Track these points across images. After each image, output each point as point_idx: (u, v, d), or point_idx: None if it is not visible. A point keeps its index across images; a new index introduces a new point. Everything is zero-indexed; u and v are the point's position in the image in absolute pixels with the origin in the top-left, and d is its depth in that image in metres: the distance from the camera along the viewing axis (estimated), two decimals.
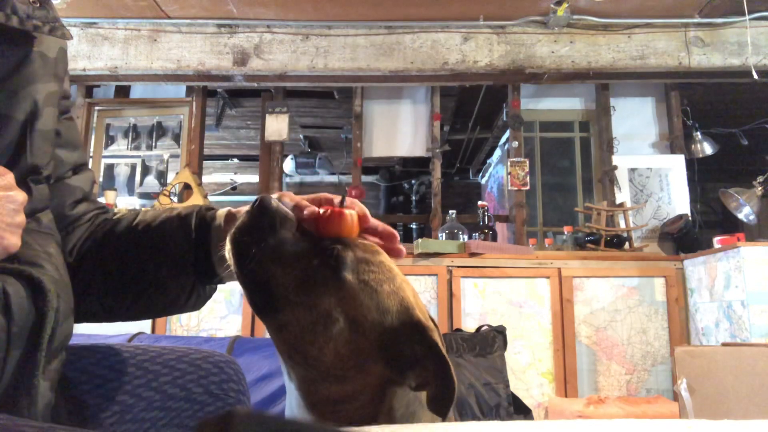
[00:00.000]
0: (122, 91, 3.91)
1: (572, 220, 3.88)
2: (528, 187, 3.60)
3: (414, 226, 5.93)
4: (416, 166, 5.95)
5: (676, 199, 3.61)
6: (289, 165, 5.92)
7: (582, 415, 2.55)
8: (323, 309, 0.59)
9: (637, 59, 3.55)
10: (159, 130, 3.82)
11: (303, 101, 4.75)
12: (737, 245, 2.64)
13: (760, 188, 3.31)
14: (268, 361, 2.09)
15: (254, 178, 6.35)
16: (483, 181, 5.94)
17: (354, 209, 0.65)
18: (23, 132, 0.64)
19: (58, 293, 0.61)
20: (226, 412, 0.25)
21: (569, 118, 4.08)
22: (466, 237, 3.26)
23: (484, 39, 3.62)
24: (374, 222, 0.69)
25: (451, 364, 0.57)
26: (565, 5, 3.38)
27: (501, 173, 4.77)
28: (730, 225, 4.23)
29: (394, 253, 0.70)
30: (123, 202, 3.70)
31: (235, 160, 6.35)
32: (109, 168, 3.79)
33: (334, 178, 6.47)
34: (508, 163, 3.64)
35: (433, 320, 0.65)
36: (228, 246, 0.62)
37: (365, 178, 6.07)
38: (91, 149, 3.74)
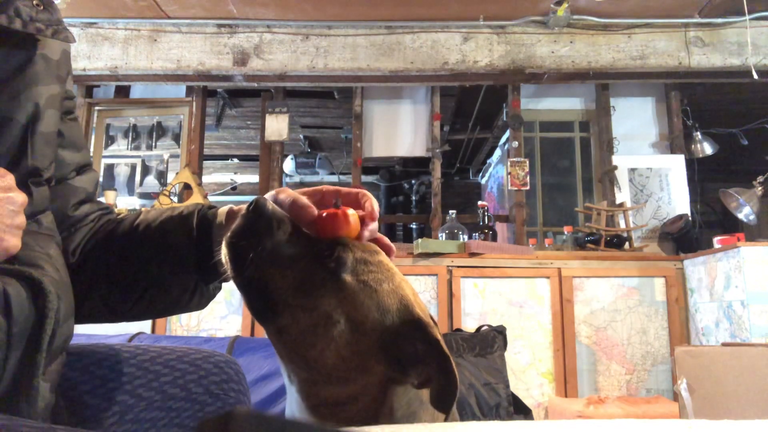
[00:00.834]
0: (122, 91, 3.91)
1: (572, 220, 3.88)
2: (528, 187, 3.60)
3: (414, 226, 5.93)
4: (416, 166, 5.95)
5: (676, 199, 3.61)
6: (289, 165, 5.92)
7: (582, 415, 2.55)
8: (323, 311, 0.58)
9: (637, 59, 3.55)
10: (159, 130, 3.82)
11: (303, 101, 4.75)
12: (737, 245, 2.64)
13: (760, 188, 3.31)
14: (268, 361, 2.09)
15: (254, 178, 6.35)
16: (483, 181, 5.94)
17: (351, 209, 0.65)
18: (24, 134, 0.64)
19: (58, 294, 0.61)
20: (226, 412, 0.25)
21: (569, 118, 4.08)
22: (466, 237, 3.26)
23: (484, 39, 3.62)
24: (375, 230, 0.68)
25: (453, 360, 0.57)
26: (565, 5, 3.38)
27: (501, 173, 4.77)
28: (730, 225, 4.23)
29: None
30: (123, 202, 3.70)
31: (235, 160, 6.35)
32: (109, 168, 3.79)
33: (334, 178, 6.47)
34: (508, 163, 3.64)
35: (432, 318, 0.65)
36: (224, 250, 0.61)
37: (365, 178, 6.07)
38: (91, 149, 3.74)
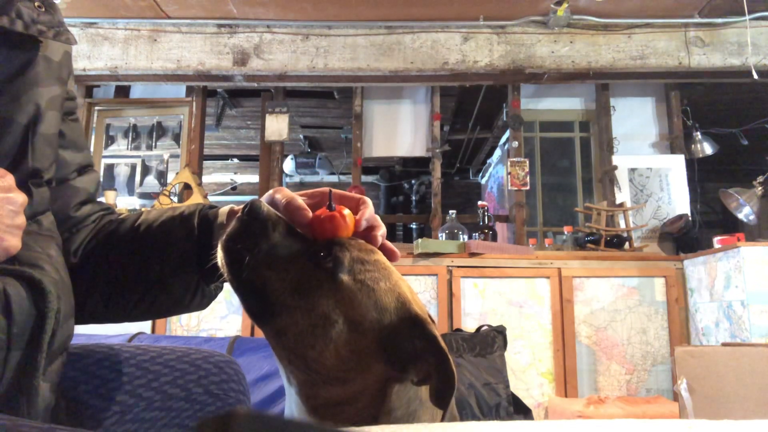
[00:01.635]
0: (122, 91, 3.91)
1: (572, 220, 3.88)
2: (528, 187, 3.60)
3: (414, 226, 5.93)
4: (416, 166, 5.95)
5: (676, 199, 3.61)
6: (289, 165, 5.92)
7: (582, 415, 2.55)
8: (321, 311, 0.58)
9: (637, 59, 3.55)
10: (159, 130, 3.82)
11: (303, 101, 4.75)
12: (737, 245, 2.64)
13: (760, 188, 3.31)
14: (268, 361, 2.09)
15: (254, 178, 6.35)
16: (483, 181, 5.94)
17: (347, 209, 0.64)
18: (25, 135, 0.64)
19: (58, 295, 0.61)
20: (226, 412, 0.25)
21: (569, 118, 4.08)
22: (466, 237, 3.26)
23: (484, 39, 3.62)
24: (383, 236, 0.68)
25: (450, 356, 0.57)
26: (565, 5, 3.38)
27: (501, 173, 4.77)
28: (730, 225, 4.22)
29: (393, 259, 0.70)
30: (123, 202, 3.70)
31: (235, 160, 6.35)
32: (109, 168, 3.79)
33: (334, 178, 6.47)
34: (508, 163, 3.64)
35: (430, 316, 0.65)
36: (220, 254, 0.61)
37: (365, 178, 6.07)
38: (91, 149, 3.74)
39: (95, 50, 3.58)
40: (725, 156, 4.22)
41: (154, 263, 0.76)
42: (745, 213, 3.36)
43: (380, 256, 0.65)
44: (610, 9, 3.47)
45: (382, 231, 0.67)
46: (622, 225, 3.36)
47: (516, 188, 3.59)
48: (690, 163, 3.75)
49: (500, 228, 3.82)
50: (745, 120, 4.38)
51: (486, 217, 3.37)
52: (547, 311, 2.99)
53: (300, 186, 6.54)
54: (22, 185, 0.61)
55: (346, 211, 0.63)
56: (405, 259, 3.04)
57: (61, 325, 0.61)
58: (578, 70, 3.57)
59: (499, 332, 2.39)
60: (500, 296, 3.00)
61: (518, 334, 2.95)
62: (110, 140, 3.82)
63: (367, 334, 0.59)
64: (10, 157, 0.63)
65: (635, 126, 3.88)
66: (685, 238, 3.34)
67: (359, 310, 0.59)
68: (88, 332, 2.03)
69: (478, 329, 2.42)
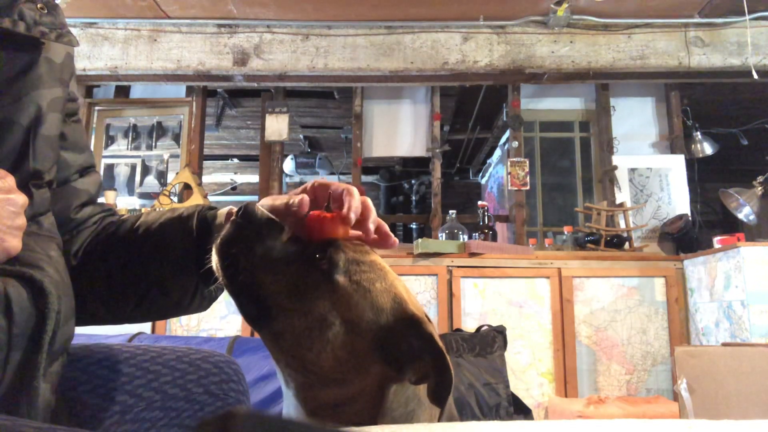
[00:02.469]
0: (122, 91, 3.91)
1: (572, 220, 3.88)
2: (528, 187, 3.60)
3: (414, 226, 5.93)
4: (416, 166, 5.95)
5: (676, 199, 3.61)
6: (289, 165, 5.92)
7: (582, 415, 2.55)
8: (318, 313, 0.58)
9: (637, 59, 3.55)
10: (159, 130, 3.82)
11: (303, 101, 4.75)
12: (737, 245, 2.64)
13: (760, 188, 3.31)
14: (268, 361, 2.09)
15: (254, 178, 6.35)
16: (483, 181, 5.94)
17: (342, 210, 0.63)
18: (26, 137, 0.64)
19: (59, 296, 0.61)
20: (226, 412, 0.26)
21: (569, 118, 4.08)
22: (466, 237, 3.27)
23: (484, 39, 3.62)
24: (375, 225, 0.66)
25: (447, 355, 0.57)
26: (565, 5, 3.38)
27: (501, 173, 4.77)
28: (730, 225, 4.22)
29: (388, 244, 0.67)
30: (123, 203, 3.70)
31: (235, 160, 6.35)
32: (109, 168, 3.79)
33: (334, 178, 6.47)
34: (508, 163, 3.64)
35: (426, 315, 0.65)
36: (214, 258, 0.61)
37: (365, 178, 6.07)
38: (92, 149, 3.74)
39: (95, 50, 3.58)
40: (725, 156, 4.22)
41: (153, 265, 0.76)
42: (745, 213, 3.36)
43: (375, 257, 0.65)
44: (610, 9, 3.47)
45: (372, 217, 0.65)
46: (622, 225, 3.36)
47: (516, 188, 3.59)
48: (690, 163, 3.75)
49: (500, 228, 3.82)
50: (745, 120, 4.38)
51: (486, 217, 3.37)
52: (547, 311, 2.99)
53: (300, 186, 6.53)
54: (23, 187, 0.61)
55: (343, 211, 0.62)
56: (405, 259, 3.04)
57: (62, 326, 0.61)
58: (578, 70, 3.57)
59: (499, 332, 2.39)
60: (500, 296, 3.00)
61: (518, 334, 2.95)
62: (110, 140, 3.82)
63: (364, 335, 0.59)
64: (11, 158, 0.63)
65: (635, 126, 3.88)
66: (685, 238, 3.34)
67: (356, 311, 0.59)
68: (88, 332, 2.03)
69: (478, 329, 2.42)
